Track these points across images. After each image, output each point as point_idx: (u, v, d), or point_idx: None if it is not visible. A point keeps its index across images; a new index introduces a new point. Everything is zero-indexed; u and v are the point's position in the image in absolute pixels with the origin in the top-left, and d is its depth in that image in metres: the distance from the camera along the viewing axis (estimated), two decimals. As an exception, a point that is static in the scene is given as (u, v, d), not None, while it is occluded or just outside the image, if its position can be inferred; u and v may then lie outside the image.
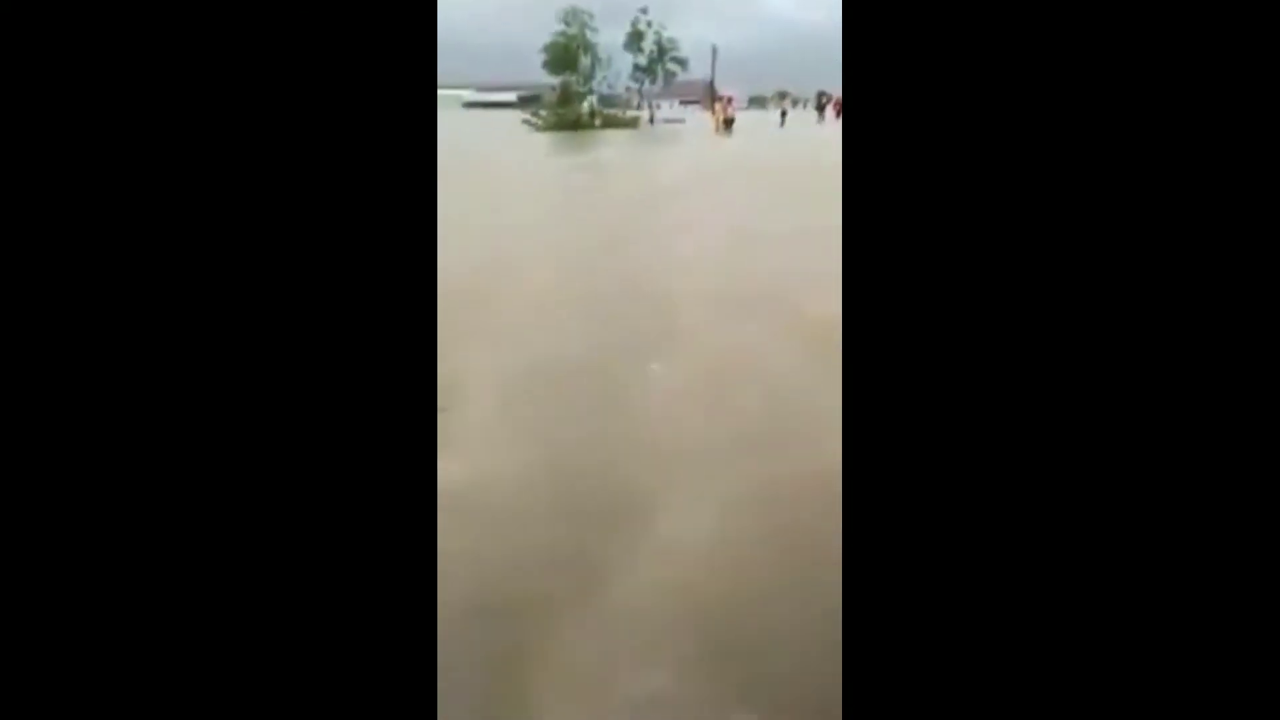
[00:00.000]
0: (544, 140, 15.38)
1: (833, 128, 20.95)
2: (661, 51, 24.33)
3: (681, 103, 31.50)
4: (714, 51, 34.29)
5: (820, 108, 25.61)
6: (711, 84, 33.78)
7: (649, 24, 23.62)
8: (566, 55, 24.21)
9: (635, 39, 23.17)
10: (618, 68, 24.68)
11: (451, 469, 1.44)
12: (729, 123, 18.13)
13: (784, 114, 22.97)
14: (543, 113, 20.17)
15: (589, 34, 24.15)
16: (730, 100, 20.06)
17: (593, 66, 24.30)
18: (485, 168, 9.24)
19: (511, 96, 37.18)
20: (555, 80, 23.50)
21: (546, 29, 24.82)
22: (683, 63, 25.42)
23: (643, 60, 24.28)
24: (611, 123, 20.51)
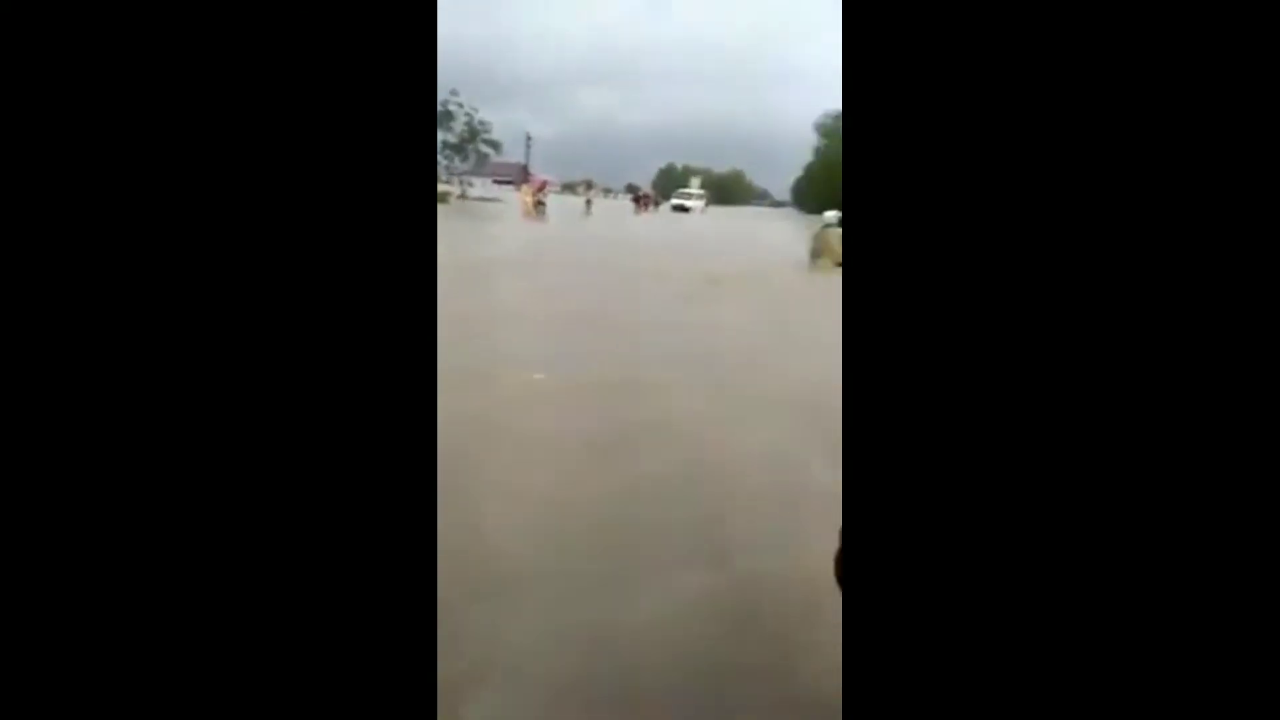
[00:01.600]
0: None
1: (643, 219, 22.37)
2: (473, 133, 24.75)
3: (495, 182, 31.97)
4: (528, 138, 36.11)
5: (637, 199, 27.86)
6: (525, 167, 35.10)
7: (459, 105, 24.06)
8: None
9: (445, 118, 23.38)
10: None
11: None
12: (540, 205, 18.41)
13: (589, 202, 24.14)
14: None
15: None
16: (544, 184, 20.54)
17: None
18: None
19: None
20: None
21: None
22: (495, 145, 26.09)
23: (453, 139, 24.45)
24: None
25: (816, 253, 9.24)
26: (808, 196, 42.61)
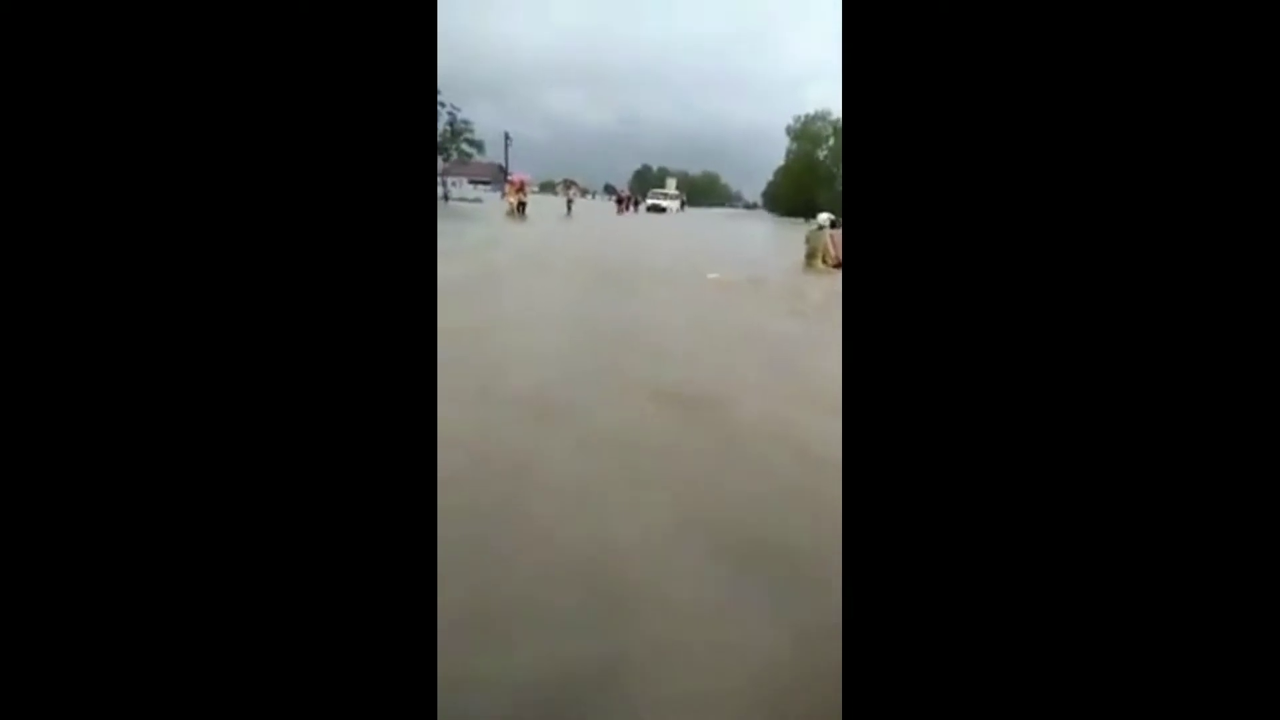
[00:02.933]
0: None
1: (626, 219, 22.40)
2: (455, 133, 24.43)
3: (471, 182, 31.65)
4: (506, 138, 35.72)
5: (620, 200, 27.90)
6: (503, 167, 34.75)
7: (442, 104, 23.67)
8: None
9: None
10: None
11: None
12: (522, 206, 18.30)
13: (570, 202, 24.15)
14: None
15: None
16: (524, 184, 20.47)
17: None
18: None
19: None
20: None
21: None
22: (478, 145, 25.81)
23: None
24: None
25: (812, 255, 9.46)
26: (779, 199, 43.26)
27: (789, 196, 39.46)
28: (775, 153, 45.30)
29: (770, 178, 48.09)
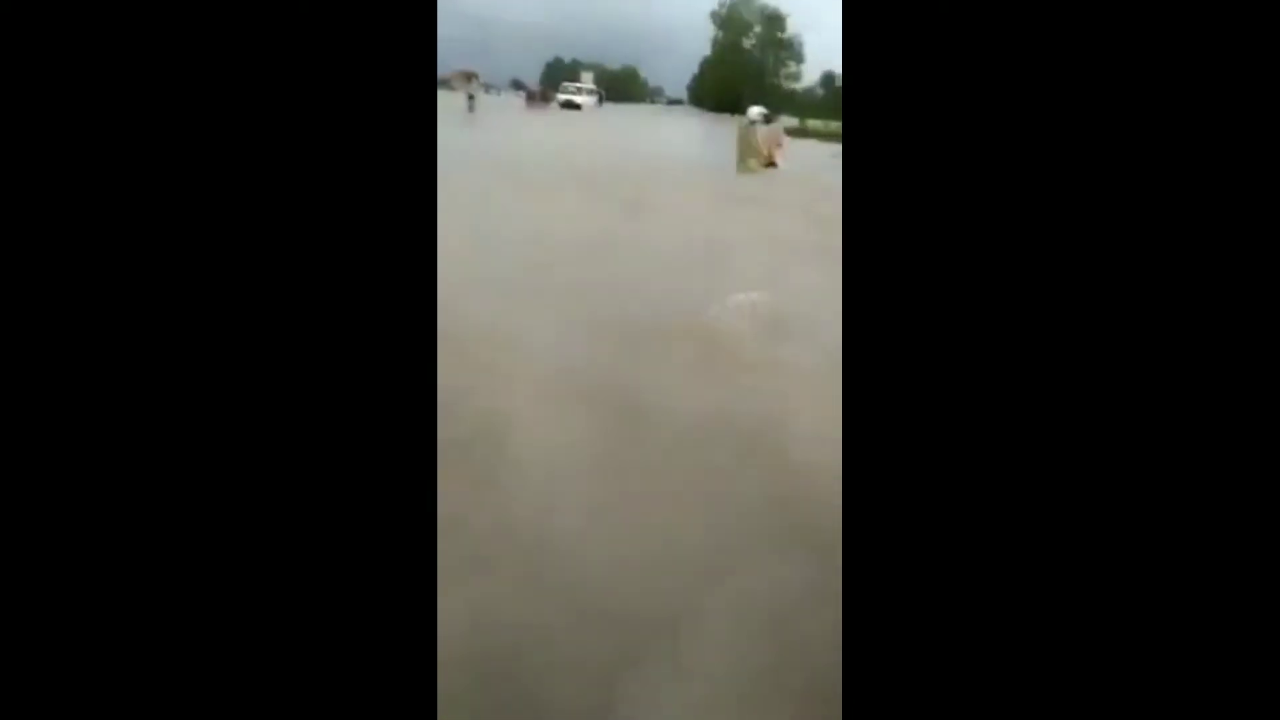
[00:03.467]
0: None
1: (537, 115, 20.21)
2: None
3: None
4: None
5: (530, 96, 25.14)
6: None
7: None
8: None
9: None
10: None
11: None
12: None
13: (471, 98, 20.97)
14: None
15: None
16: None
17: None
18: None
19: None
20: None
21: None
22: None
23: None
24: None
25: (744, 154, 8.53)
26: (705, 94, 40.91)
27: (716, 91, 37.30)
28: (699, 44, 42.30)
29: (695, 71, 45.33)
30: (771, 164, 8.40)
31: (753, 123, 8.67)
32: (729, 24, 38.06)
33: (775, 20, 37.43)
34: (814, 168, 9.40)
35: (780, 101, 26.51)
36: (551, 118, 20.36)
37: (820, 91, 36.91)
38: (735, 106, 33.14)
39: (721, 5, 38.56)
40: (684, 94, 51.51)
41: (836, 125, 18.46)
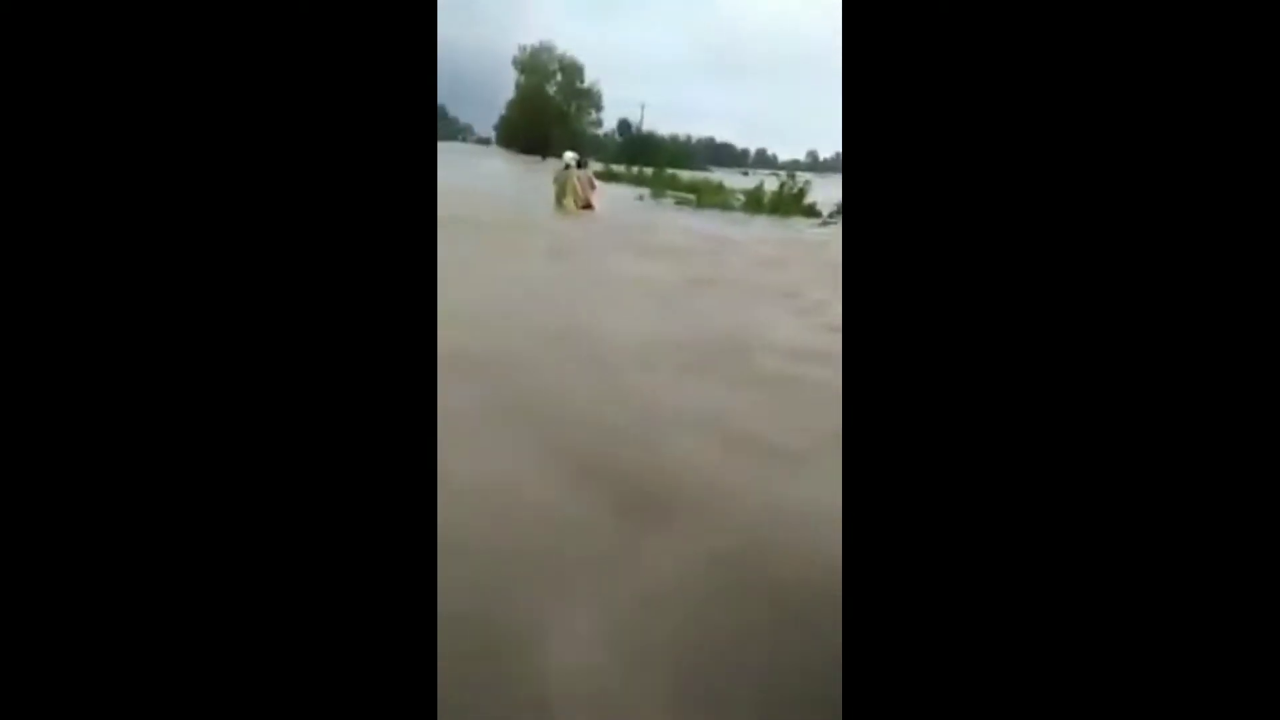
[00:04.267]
0: None
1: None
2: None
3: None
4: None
5: None
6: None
7: None
8: None
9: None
10: None
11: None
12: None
13: None
14: None
15: None
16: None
17: None
18: None
19: None
20: None
21: None
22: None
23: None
24: None
25: (561, 194, 9.34)
26: (513, 135, 41.89)
27: (523, 132, 38.47)
28: (504, 86, 43.40)
29: (503, 111, 46.16)
30: (588, 205, 9.27)
31: (568, 166, 9.49)
32: (530, 69, 39.73)
33: (573, 68, 39.96)
34: (626, 209, 10.49)
35: (586, 145, 28.31)
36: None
37: (618, 138, 40.03)
38: (543, 148, 34.29)
39: (523, 50, 40.19)
40: (491, 133, 51.84)
41: (637, 170, 20.30)
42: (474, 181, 13.05)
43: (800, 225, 10.15)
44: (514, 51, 40.81)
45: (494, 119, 48.71)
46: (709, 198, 13.38)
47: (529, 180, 13.91)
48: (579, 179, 9.35)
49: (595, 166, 13.54)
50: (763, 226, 9.90)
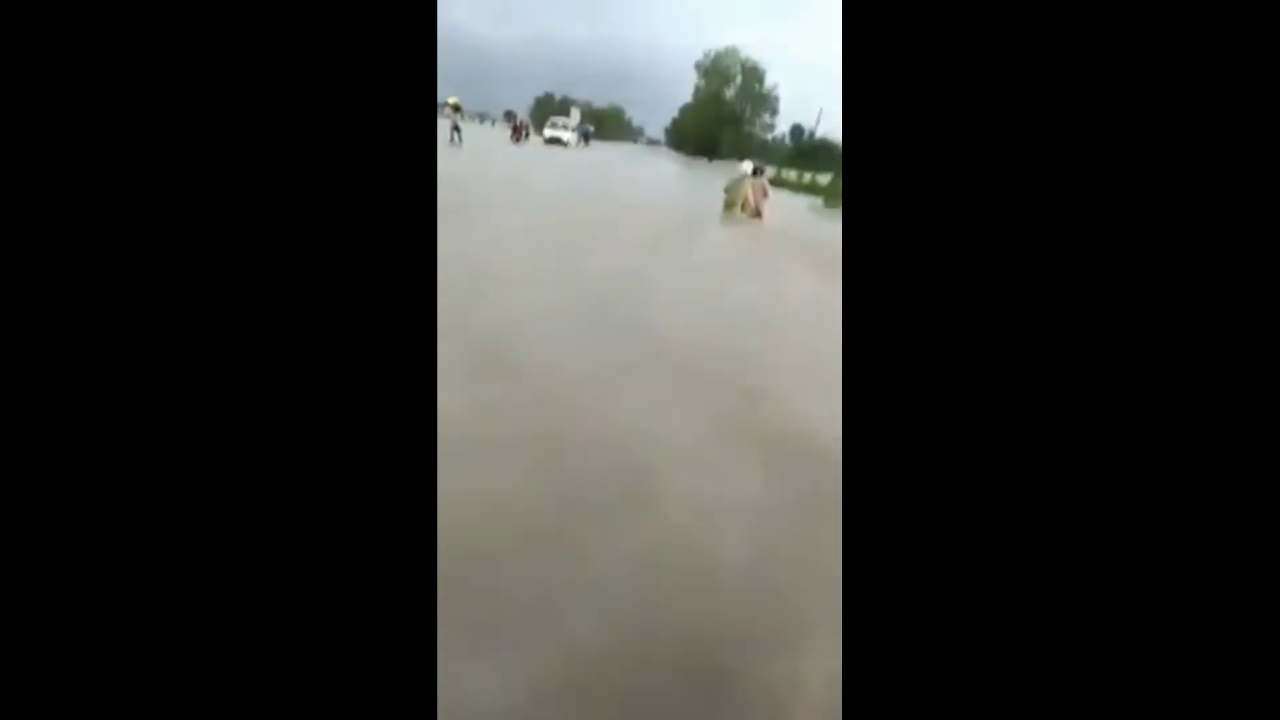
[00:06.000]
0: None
1: (520, 149, 20.32)
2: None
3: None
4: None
5: (515, 129, 25.06)
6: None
7: None
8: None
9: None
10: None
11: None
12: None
13: (456, 129, 20.90)
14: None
15: None
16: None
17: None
18: None
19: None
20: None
21: None
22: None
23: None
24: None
25: (730, 204, 8.71)
26: (684, 138, 42.00)
27: (695, 135, 38.34)
28: (683, 89, 43.66)
29: (675, 115, 46.58)
30: (757, 214, 8.60)
31: (745, 175, 8.89)
32: (712, 74, 39.45)
33: (754, 72, 38.98)
34: (797, 221, 9.66)
35: (754, 149, 27.36)
36: (529, 153, 20.42)
37: (789, 142, 38.32)
38: (711, 151, 34.05)
39: (706, 55, 40.01)
40: (662, 135, 52.82)
41: (809, 177, 19.04)
42: (643, 181, 12.89)
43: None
44: (698, 56, 40.84)
45: (667, 122, 49.48)
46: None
47: (694, 182, 13.47)
48: (753, 187, 8.69)
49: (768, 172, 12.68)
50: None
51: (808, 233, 8.83)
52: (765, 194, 8.99)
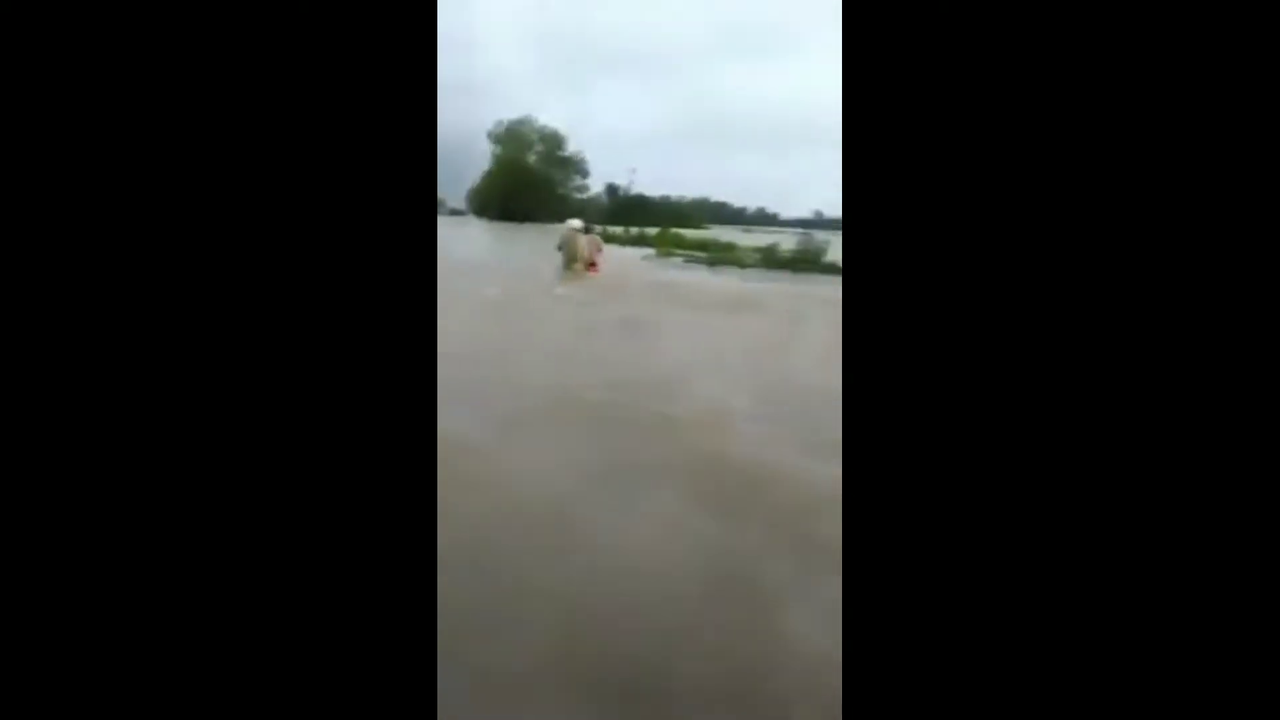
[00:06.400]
0: None
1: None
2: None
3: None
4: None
5: None
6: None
7: None
8: None
9: None
10: None
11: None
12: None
13: None
14: None
15: None
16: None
17: None
18: None
19: None
20: None
21: None
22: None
23: None
24: None
25: (570, 259, 8.59)
26: (488, 205, 41.68)
27: (499, 202, 38.24)
28: (480, 158, 43.58)
29: (473, 184, 46.24)
30: (592, 265, 8.58)
31: (575, 231, 8.85)
32: (507, 142, 40.03)
33: (554, 139, 40.35)
34: (637, 269, 9.86)
35: (572, 211, 28.09)
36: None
37: (605, 200, 39.98)
38: (518, 216, 34.05)
39: (498, 125, 40.52)
40: (463, 204, 52.17)
41: (635, 231, 19.80)
42: (467, 251, 12.36)
43: (823, 282, 9.38)
44: (489, 125, 41.17)
45: (464, 191, 49.01)
46: (721, 255, 12.63)
47: (516, 246, 13.28)
48: (584, 243, 8.70)
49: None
50: (796, 283, 9.28)
51: (656, 276, 8.98)
52: (599, 248, 9.04)
